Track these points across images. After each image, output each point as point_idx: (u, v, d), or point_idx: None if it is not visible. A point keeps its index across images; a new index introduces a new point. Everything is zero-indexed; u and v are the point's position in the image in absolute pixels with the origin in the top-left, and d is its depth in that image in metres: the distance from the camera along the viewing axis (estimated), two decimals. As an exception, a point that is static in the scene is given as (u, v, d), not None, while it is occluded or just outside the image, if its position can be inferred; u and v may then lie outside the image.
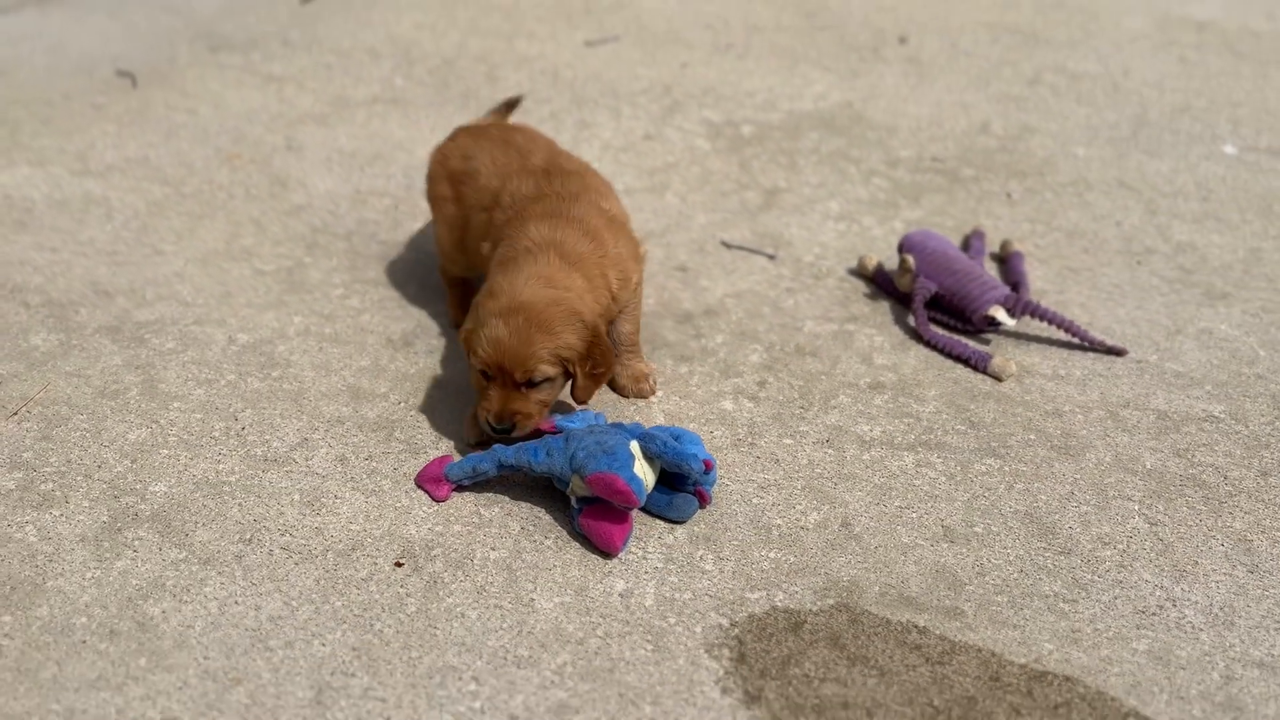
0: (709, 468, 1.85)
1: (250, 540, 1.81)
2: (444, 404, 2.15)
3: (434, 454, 2.01)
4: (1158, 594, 1.74)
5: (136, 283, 2.56)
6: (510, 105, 2.69)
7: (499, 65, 4.02)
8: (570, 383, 1.96)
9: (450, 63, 4.04)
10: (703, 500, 1.87)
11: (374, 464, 1.99)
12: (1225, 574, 1.78)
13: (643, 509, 1.86)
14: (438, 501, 1.90)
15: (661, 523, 1.86)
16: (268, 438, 2.06)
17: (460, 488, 1.92)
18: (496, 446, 1.90)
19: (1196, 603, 1.73)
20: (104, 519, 1.85)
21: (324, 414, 2.12)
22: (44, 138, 3.34)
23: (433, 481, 1.92)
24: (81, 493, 1.91)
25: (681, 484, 1.86)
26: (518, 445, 1.89)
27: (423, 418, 2.12)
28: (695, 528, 1.86)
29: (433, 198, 2.39)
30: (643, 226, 2.87)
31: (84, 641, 1.62)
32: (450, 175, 2.35)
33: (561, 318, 1.89)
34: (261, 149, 3.28)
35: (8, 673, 1.57)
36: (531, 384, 1.90)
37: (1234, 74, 4.02)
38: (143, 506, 1.88)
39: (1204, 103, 3.75)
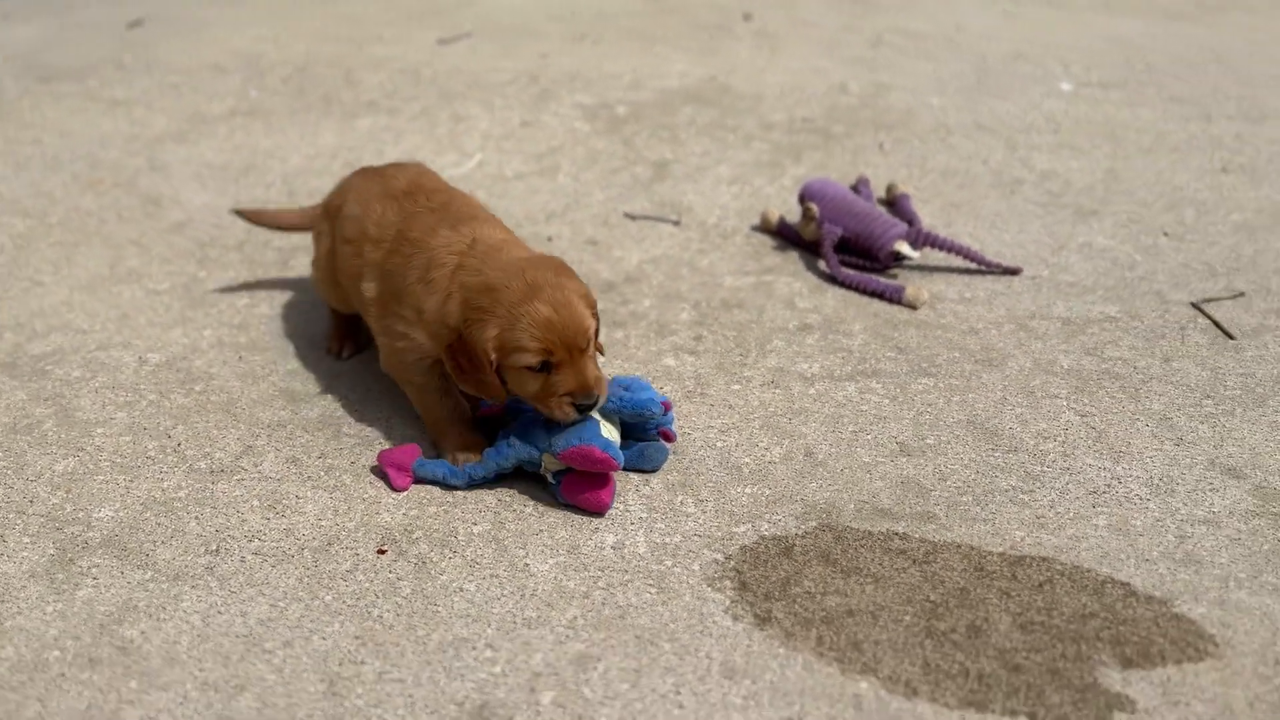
0: (667, 408, 1.88)
1: (218, 551, 1.74)
2: (384, 396, 2.11)
3: (386, 445, 1.97)
4: (1103, 474, 1.88)
5: (21, 316, 2.40)
6: None
7: (354, 69, 3.94)
8: None
9: (303, 70, 3.94)
10: (668, 439, 1.90)
11: (329, 461, 1.94)
12: (1156, 450, 1.94)
13: (616, 466, 1.87)
14: (395, 489, 1.86)
15: (635, 476, 1.88)
16: (208, 450, 1.97)
17: (418, 482, 1.88)
18: (468, 465, 1.85)
19: (1138, 477, 1.87)
20: (50, 552, 1.74)
21: (262, 420, 2.05)
22: (-127, 183, 3.08)
23: (396, 469, 1.87)
24: (18, 530, 1.78)
25: (643, 432, 1.89)
26: (486, 459, 1.83)
27: (367, 411, 2.07)
28: (669, 476, 1.89)
29: (314, 233, 2.25)
30: (544, 206, 2.87)
31: (63, 674, 1.52)
32: (327, 209, 2.18)
33: (567, 270, 1.79)
34: (123, 172, 3.12)
35: (-16, 719, 1.46)
36: (587, 344, 1.76)
37: (1053, 23, 4.33)
38: (90, 534, 1.77)
39: (1034, 49, 4.02)
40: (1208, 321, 2.31)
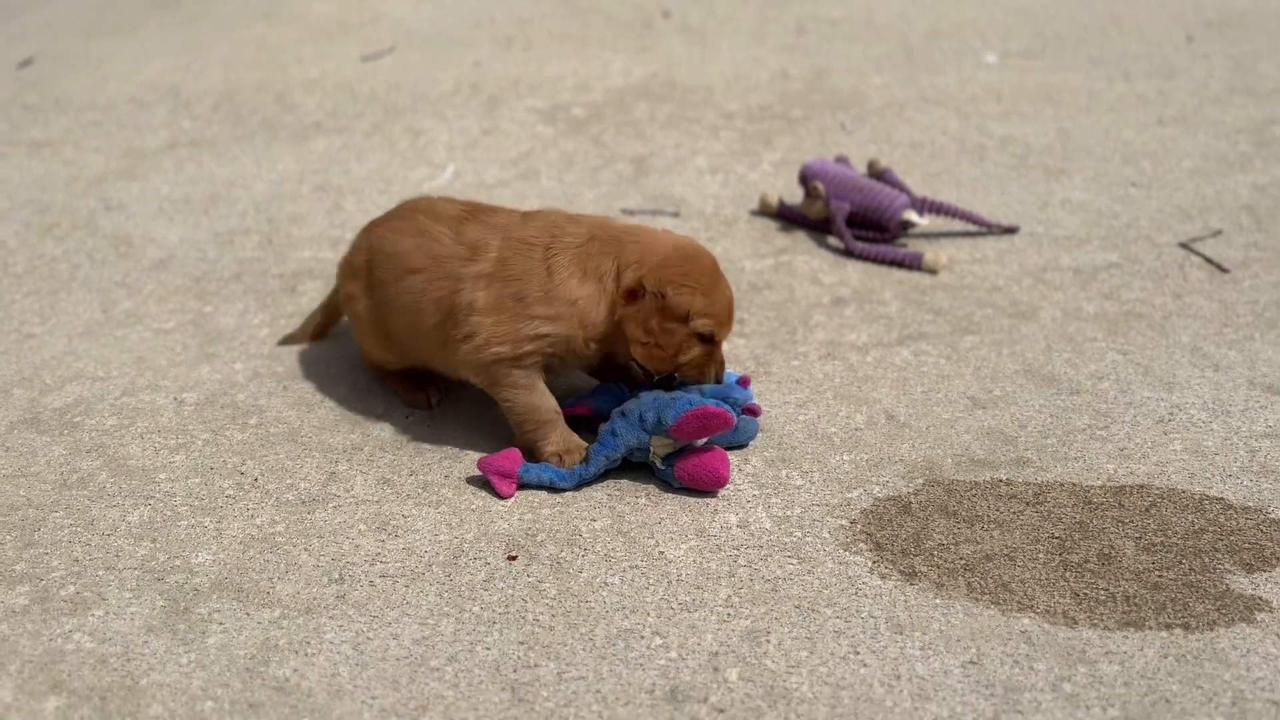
0: (746, 383, 1.93)
1: (342, 579, 1.68)
2: (452, 407, 2.08)
3: (473, 456, 1.94)
4: (1163, 404, 2.01)
5: (24, 370, 2.25)
6: None
7: (286, 91, 3.82)
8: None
9: (231, 97, 3.79)
10: (754, 413, 1.93)
11: (421, 477, 1.90)
12: (1200, 378, 2.08)
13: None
14: (501, 497, 1.84)
15: (733, 456, 1.91)
16: (290, 481, 1.90)
17: (522, 487, 1.87)
18: (576, 466, 1.85)
19: (1194, 404, 2.01)
20: (160, 604, 1.65)
21: (335, 446, 1.99)
22: None
23: (501, 476, 1.84)
24: (115, 586, 1.68)
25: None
26: (593, 457, 1.84)
27: (440, 425, 2.03)
28: (766, 453, 1.92)
29: (344, 299, 2.12)
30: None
31: (227, 723, 1.45)
32: (354, 269, 2.07)
33: None
34: (78, 214, 2.95)
35: (158, 780, 1.38)
36: None
37: (956, 0, 4.54)
38: (197, 580, 1.69)
39: (948, 26, 4.22)
40: (1199, 259, 2.49)
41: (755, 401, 1.97)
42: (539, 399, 1.88)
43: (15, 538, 1.79)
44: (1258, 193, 2.79)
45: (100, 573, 1.71)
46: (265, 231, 2.82)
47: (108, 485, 1.90)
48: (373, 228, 2.11)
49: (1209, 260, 2.47)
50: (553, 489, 1.84)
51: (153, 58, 4.28)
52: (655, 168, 3.09)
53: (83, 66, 4.22)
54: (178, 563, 1.72)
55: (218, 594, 1.66)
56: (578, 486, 1.84)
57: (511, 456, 1.85)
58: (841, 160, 2.94)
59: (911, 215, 2.57)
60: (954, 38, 4.07)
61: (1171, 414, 1.98)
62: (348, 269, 2.11)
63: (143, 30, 4.65)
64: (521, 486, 1.85)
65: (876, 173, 2.92)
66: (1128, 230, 2.63)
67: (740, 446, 1.93)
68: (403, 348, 2.03)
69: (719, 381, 1.88)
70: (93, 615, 1.63)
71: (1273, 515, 1.74)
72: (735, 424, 1.80)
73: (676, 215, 2.80)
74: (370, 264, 2.03)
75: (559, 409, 1.92)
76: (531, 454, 1.90)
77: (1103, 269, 2.46)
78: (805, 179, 2.69)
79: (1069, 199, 2.80)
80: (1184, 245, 2.54)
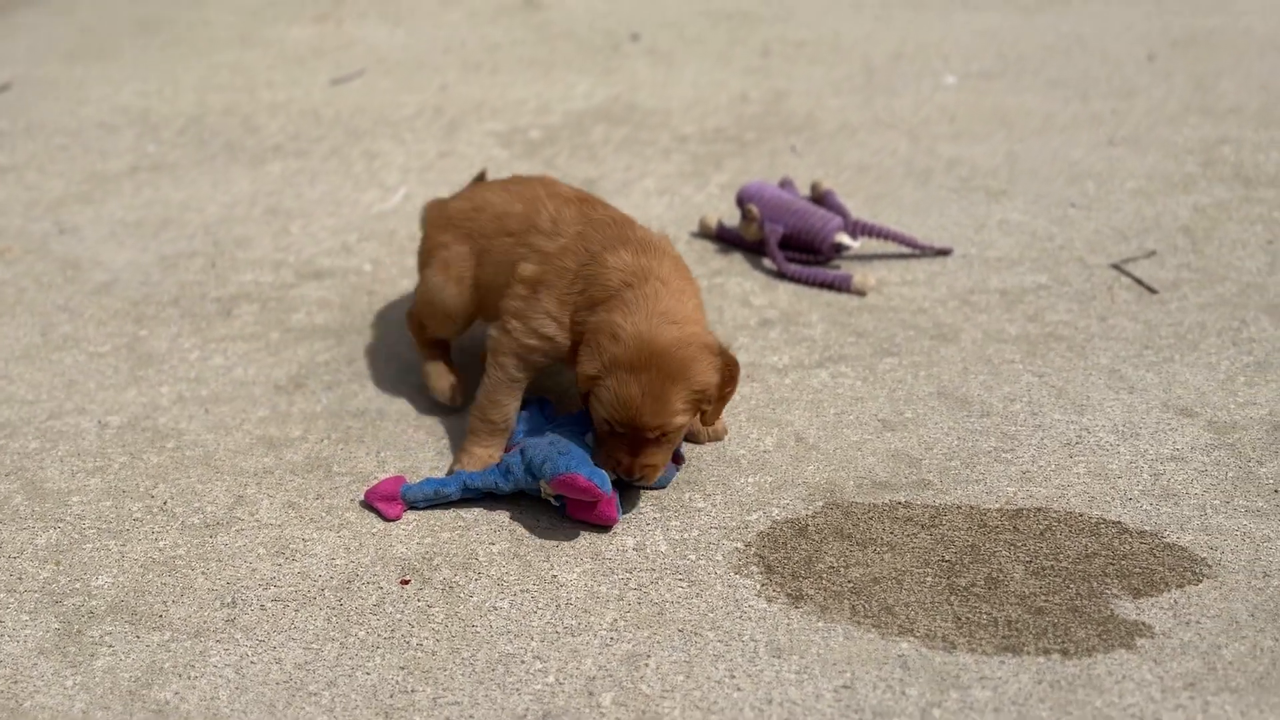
0: None
1: (234, 603, 1.70)
2: (369, 431, 2.10)
3: (381, 477, 1.96)
4: (1072, 427, 2.01)
5: (-44, 394, 2.28)
6: (480, 178, 2.47)
7: (252, 115, 3.87)
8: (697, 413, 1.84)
9: (197, 121, 3.84)
10: (676, 461, 1.92)
11: (327, 501, 1.91)
12: (1114, 400, 2.08)
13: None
14: (388, 520, 1.86)
15: (639, 479, 1.92)
16: (197, 505, 1.92)
17: (413, 507, 1.88)
18: (461, 472, 1.88)
19: (1103, 426, 2.01)
20: (55, 626, 1.67)
21: (246, 469, 2.01)
22: None
23: (385, 500, 1.87)
24: (14, 609, 1.70)
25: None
26: (486, 473, 1.86)
27: (355, 448, 2.05)
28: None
29: (429, 249, 2.15)
30: (481, 234, 2.88)
31: (101, 746, 1.46)
32: (450, 220, 2.14)
33: (694, 356, 1.75)
34: (30, 238, 2.99)
35: (26, 802, 1.39)
36: (664, 435, 1.78)
37: (922, 23, 4.56)
38: (94, 603, 1.71)
39: (911, 48, 4.23)
40: (1129, 280, 2.49)
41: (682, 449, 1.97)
42: (503, 396, 1.92)
43: (-77, 560, 1.81)
44: (1197, 213, 2.79)
45: (1, 595, 1.73)
46: (210, 254, 2.85)
47: (21, 508, 1.93)
48: (493, 186, 2.18)
49: (1138, 281, 2.47)
50: (439, 499, 1.85)
51: (127, 82, 4.34)
52: (603, 190, 3.11)
53: (59, 92, 4.28)
54: (78, 585, 1.75)
55: (112, 617, 1.68)
56: (463, 493, 1.85)
57: (393, 481, 1.87)
58: (786, 183, 2.95)
59: (844, 238, 2.58)
60: (916, 60, 4.08)
61: (1080, 437, 1.98)
62: (442, 220, 2.15)
63: (123, 55, 4.72)
64: (410, 506, 1.86)
65: (818, 195, 2.93)
66: (1061, 252, 2.63)
67: (655, 489, 1.92)
68: (482, 300, 2.07)
69: (629, 475, 1.79)
70: (-13, 638, 1.65)
71: (1168, 539, 1.73)
72: (605, 496, 1.76)
73: (617, 238, 2.82)
74: (475, 214, 2.09)
75: (511, 424, 1.95)
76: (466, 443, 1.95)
77: (1030, 291, 2.47)
78: (741, 202, 2.70)
79: (1006, 220, 2.80)
80: (1115, 266, 2.54)
